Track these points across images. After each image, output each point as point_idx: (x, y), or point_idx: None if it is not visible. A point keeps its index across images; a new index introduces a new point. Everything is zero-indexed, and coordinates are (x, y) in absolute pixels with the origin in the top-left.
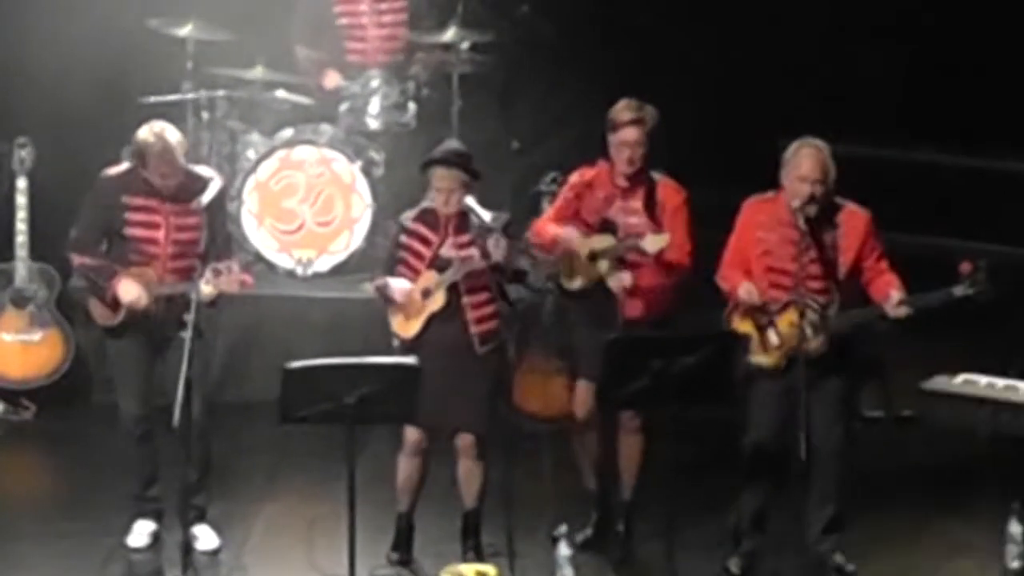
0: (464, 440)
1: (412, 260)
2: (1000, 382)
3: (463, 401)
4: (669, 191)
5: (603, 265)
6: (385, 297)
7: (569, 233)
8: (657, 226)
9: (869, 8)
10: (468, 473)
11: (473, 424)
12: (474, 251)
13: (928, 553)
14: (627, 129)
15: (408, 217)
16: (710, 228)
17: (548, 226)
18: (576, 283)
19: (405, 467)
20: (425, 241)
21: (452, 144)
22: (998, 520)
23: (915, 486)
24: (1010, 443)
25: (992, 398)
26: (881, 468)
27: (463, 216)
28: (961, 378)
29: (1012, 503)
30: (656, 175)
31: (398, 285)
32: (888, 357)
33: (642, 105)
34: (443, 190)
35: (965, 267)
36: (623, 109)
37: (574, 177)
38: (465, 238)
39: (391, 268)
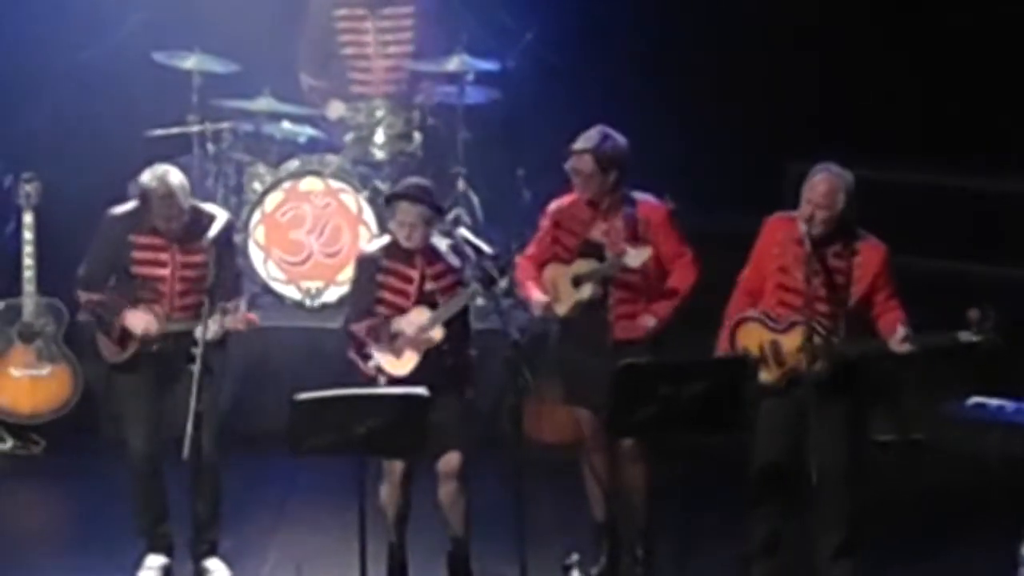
0: (449, 461)
1: (392, 298)
2: (1011, 405)
3: (442, 424)
4: (649, 208)
5: (587, 289)
6: (381, 337)
7: (539, 296)
8: (639, 243)
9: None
10: (454, 496)
11: (458, 442)
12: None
13: None
14: (572, 158)
15: (380, 255)
16: (725, 252)
17: (527, 282)
18: (562, 309)
19: (389, 497)
20: (405, 278)
21: (415, 180)
22: (1009, 544)
23: (926, 510)
24: (1021, 467)
25: (1003, 422)
26: (892, 492)
27: (430, 247)
28: (972, 402)
29: (1023, 527)
30: (637, 194)
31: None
32: (899, 381)
33: (603, 136)
34: (407, 224)
35: (973, 314)
36: (578, 139)
37: (552, 205)
38: (439, 267)
39: (369, 309)
